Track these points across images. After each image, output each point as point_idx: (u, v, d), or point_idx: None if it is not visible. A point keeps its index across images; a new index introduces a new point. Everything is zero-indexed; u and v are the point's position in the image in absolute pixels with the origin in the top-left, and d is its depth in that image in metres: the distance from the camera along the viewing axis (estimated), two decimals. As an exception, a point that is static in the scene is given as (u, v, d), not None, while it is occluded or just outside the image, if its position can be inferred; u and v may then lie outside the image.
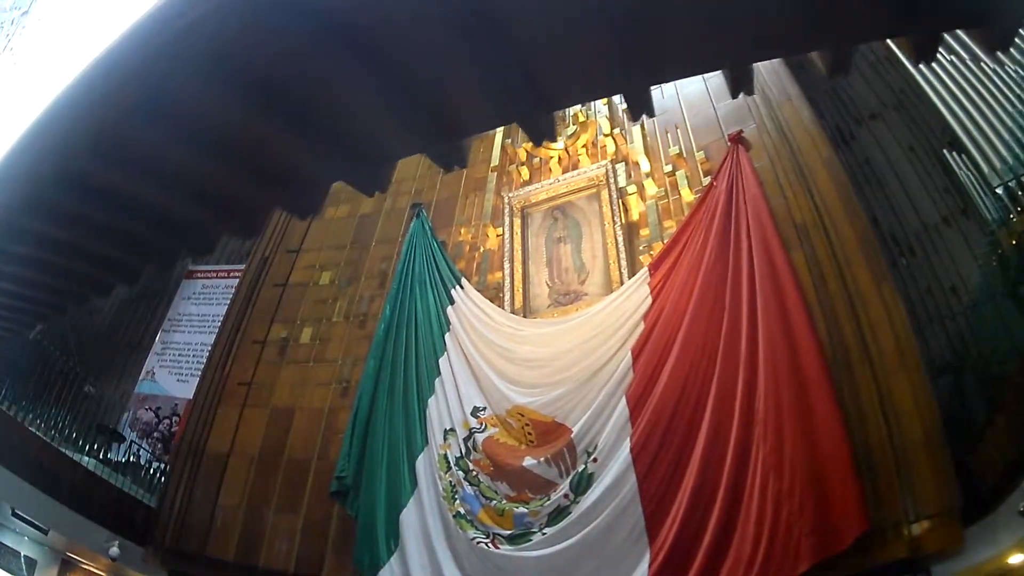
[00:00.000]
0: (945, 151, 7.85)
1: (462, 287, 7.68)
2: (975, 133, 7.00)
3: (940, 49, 7.44)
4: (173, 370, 10.11)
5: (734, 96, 3.52)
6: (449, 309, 7.56)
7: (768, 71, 7.81)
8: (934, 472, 4.94)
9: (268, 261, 9.20)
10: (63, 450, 7.48)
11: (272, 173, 3.56)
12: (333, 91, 3.07)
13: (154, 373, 10.11)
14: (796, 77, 7.77)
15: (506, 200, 8.25)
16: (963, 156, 7.39)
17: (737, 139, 7.06)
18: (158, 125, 3.00)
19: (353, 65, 2.86)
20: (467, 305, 7.47)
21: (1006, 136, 6.76)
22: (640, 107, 3.38)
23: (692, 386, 5.89)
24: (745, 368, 5.74)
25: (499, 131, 8.93)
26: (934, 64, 7.51)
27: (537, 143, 3.77)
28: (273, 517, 7.32)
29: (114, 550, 7.17)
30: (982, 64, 7.15)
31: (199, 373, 9.85)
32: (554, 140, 4.14)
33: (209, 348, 9.95)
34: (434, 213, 8.77)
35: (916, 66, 7.67)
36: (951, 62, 7.46)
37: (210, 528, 7.44)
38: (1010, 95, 6.94)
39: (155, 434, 9.51)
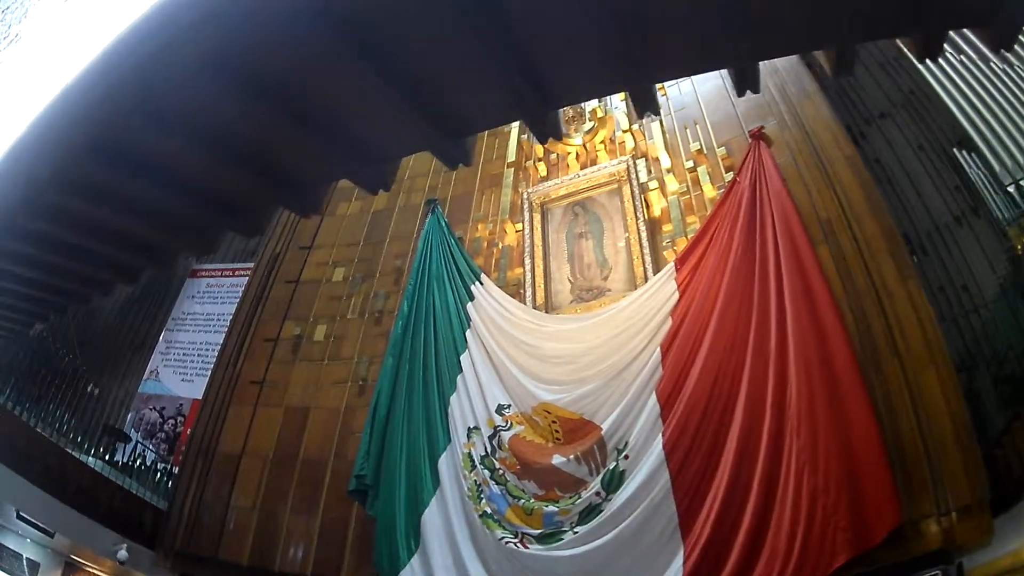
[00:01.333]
0: (955, 150, 7.93)
1: (481, 283, 7.56)
2: (986, 132, 7.06)
3: (949, 48, 7.54)
4: (178, 370, 9.88)
5: (740, 94, 3.51)
6: (469, 305, 7.44)
7: (786, 68, 7.85)
8: (964, 465, 4.96)
9: (279, 258, 9.03)
10: (70, 451, 7.23)
11: (274, 171, 3.54)
12: (336, 88, 3.04)
13: (158, 373, 9.87)
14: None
15: (525, 196, 8.17)
16: (973, 155, 7.46)
17: (758, 135, 7.03)
18: (159, 123, 2.99)
19: (356, 62, 2.83)
20: (488, 301, 7.36)
21: (1016, 135, 6.84)
22: (645, 104, 3.43)
23: (722, 381, 5.82)
24: (776, 363, 5.69)
25: (515, 127, 8.87)
26: (944, 63, 7.60)
27: (542, 141, 3.76)
28: (289, 519, 7.13)
29: (122, 553, 6.97)
30: (991, 63, 7.24)
31: (204, 373, 9.69)
32: (559, 138, 4.18)
33: (214, 347, 9.81)
34: (449, 209, 8.65)
35: (922, 63, 7.74)
36: (960, 61, 7.54)
37: (222, 530, 7.25)
38: (1020, 94, 7.02)
39: (159, 434, 9.27)
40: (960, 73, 7.57)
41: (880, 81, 9.34)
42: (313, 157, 3.48)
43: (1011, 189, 6.70)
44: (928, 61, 7.59)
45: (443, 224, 8.29)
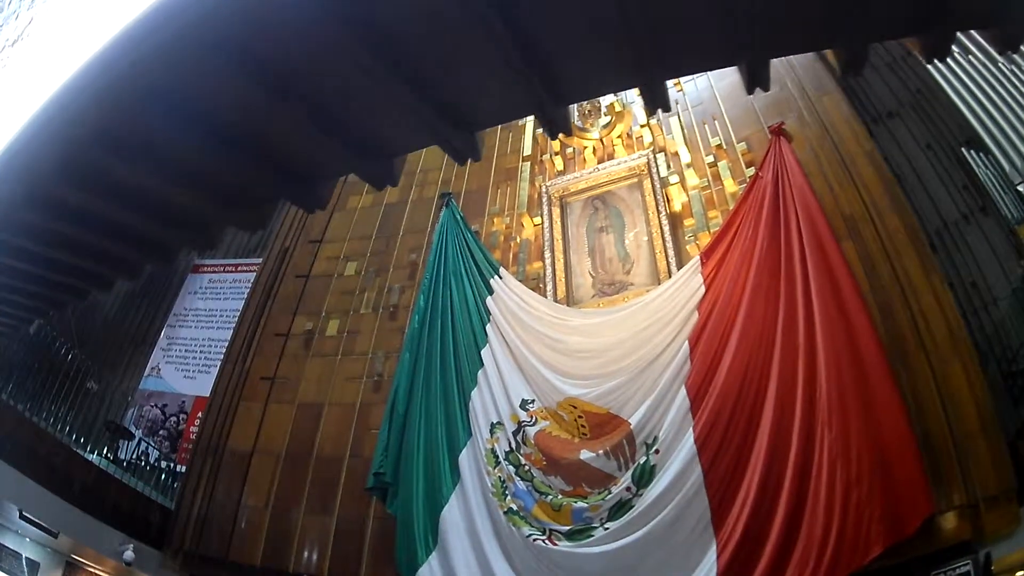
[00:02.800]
0: (963, 149, 8.01)
1: (501, 277, 7.45)
2: (996, 132, 7.12)
3: (957, 49, 7.60)
4: (180, 366, 9.61)
5: (750, 92, 3.50)
6: (488, 299, 7.31)
7: (803, 65, 7.89)
8: (991, 456, 5.01)
9: (289, 252, 8.83)
10: (76, 450, 6.97)
11: (279, 165, 3.48)
12: (343, 81, 2.99)
13: (159, 369, 9.60)
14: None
15: (544, 189, 8.08)
16: (982, 155, 7.53)
17: (779, 131, 7.04)
18: (164, 116, 2.89)
19: (365, 56, 2.77)
20: (508, 295, 7.24)
21: None
22: (656, 101, 3.40)
23: (752, 375, 5.79)
24: (805, 356, 5.67)
25: (530, 121, 8.79)
26: (953, 64, 7.67)
27: (552, 136, 3.76)
28: (303, 518, 6.94)
29: (128, 554, 6.71)
30: (1000, 64, 7.33)
31: (207, 369, 9.47)
32: (569, 133, 4.20)
33: (217, 343, 9.60)
34: (463, 203, 8.52)
35: (929, 63, 7.81)
36: (969, 62, 7.62)
37: (233, 530, 7.03)
38: (1032, 94, 7.10)
39: (161, 432, 9.00)
40: (969, 73, 7.64)
41: (888, 81, 9.42)
42: (319, 151, 3.41)
43: (1021, 188, 6.77)
44: (936, 61, 7.68)
45: (459, 217, 8.17)
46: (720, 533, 5.37)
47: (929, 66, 8.07)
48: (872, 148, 7.02)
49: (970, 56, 7.59)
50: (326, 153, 3.42)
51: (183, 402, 9.31)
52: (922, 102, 9.04)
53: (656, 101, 3.39)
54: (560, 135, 8.29)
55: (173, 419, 9.11)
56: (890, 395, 5.24)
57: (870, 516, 4.90)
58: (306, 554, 6.75)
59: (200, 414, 9.20)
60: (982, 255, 7.87)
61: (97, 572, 7.01)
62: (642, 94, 3.46)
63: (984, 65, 7.50)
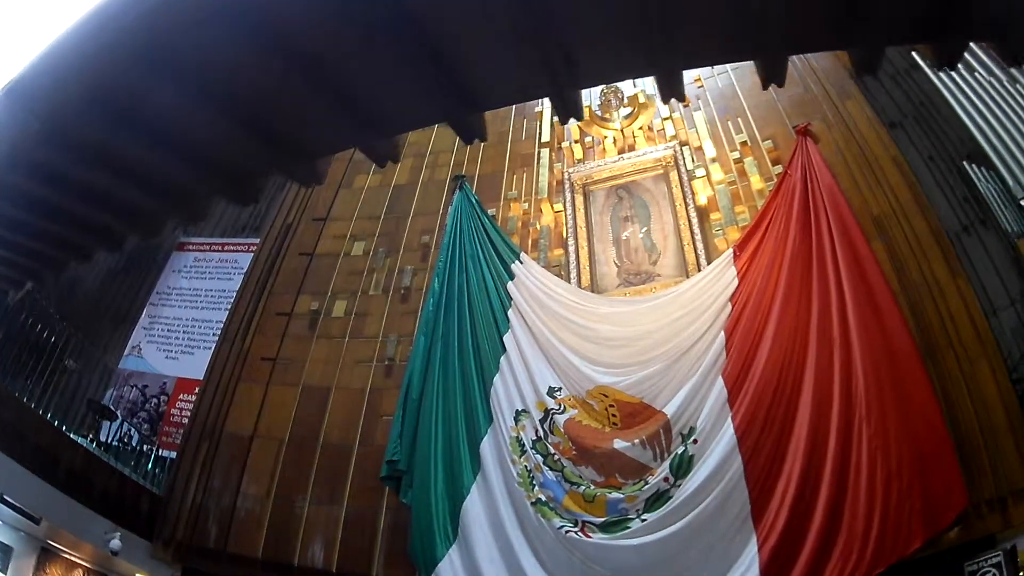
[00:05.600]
0: (965, 163, 8.24)
1: (522, 262, 7.24)
2: (999, 147, 7.30)
3: (961, 64, 7.78)
4: (162, 346, 8.99)
5: (764, 87, 3.55)
6: (510, 284, 7.07)
7: (824, 68, 7.99)
8: (1018, 451, 5.12)
9: (292, 228, 8.37)
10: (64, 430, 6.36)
11: (277, 136, 3.34)
12: (352, 51, 2.87)
13: (141, 348, 8.95)
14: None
15: (566, 176, 7.91)
16: (983, 169, 7.74)
17: (805, 132, 7.10)
18: (159, 77, 2.75)
19: (380, 26, 2.68)
20: (531, 280, 7.03)
21: None
22: (670, 90, 3.41)
23: (788, 366, 5.78)
24: (840, 351, 5.71)
25: (547, 107, 8.63)
26: (957, 78, 7.89)
27: (564, 121, 3.79)
28: (309, 509, 6.53)
29: (115, 543, 6.14)
30: (1005, 80, 7.57)
31: (190, 350, 8.95)
32: (580, 119, 4.19)
33: (201, 324, 9.09)
34: (477, 187, 8.25)
35: (937, 73, 8.01)
36: (975, 77, 7.84)
37: (232, 520, 6.57)
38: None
39: (141, 413, 8.39)
40: (974, 88, 7.84)
41: (891, 91, 9.66)
42: (319, 123, 3.28)
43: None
44: (941, 74, 7.90)
45: (474, 201, 7.91)
46: (760, 525, 5.33)
47: (935, 79, 8.27)
48: (897, 152, 7.14)
49: (976, 73, 7.80)
50: (328, 126, 3.32)
51: (164, 383, 8.70)
52: (925, 114, 9.28)
53: (672, 90, 3.40)
54: (581, 123, 8.23)
55: (154, 400, 8.50)
56: (924, 392, 5.35)
57: (911, 508, 4.98)
58: (313, 546, 6.34)
59: (182, 396, 8.66)
60: (982, 267, 8.09)
61: (74, 559, 6.40)
62: (659, 82, 3.44)
63: (990, 81, 7.71)
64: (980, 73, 7.60)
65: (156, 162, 3.38)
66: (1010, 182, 7.07)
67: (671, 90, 3.40)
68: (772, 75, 3.34)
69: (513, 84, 3.33)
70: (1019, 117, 7.38)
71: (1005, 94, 7.60)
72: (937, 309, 6.04)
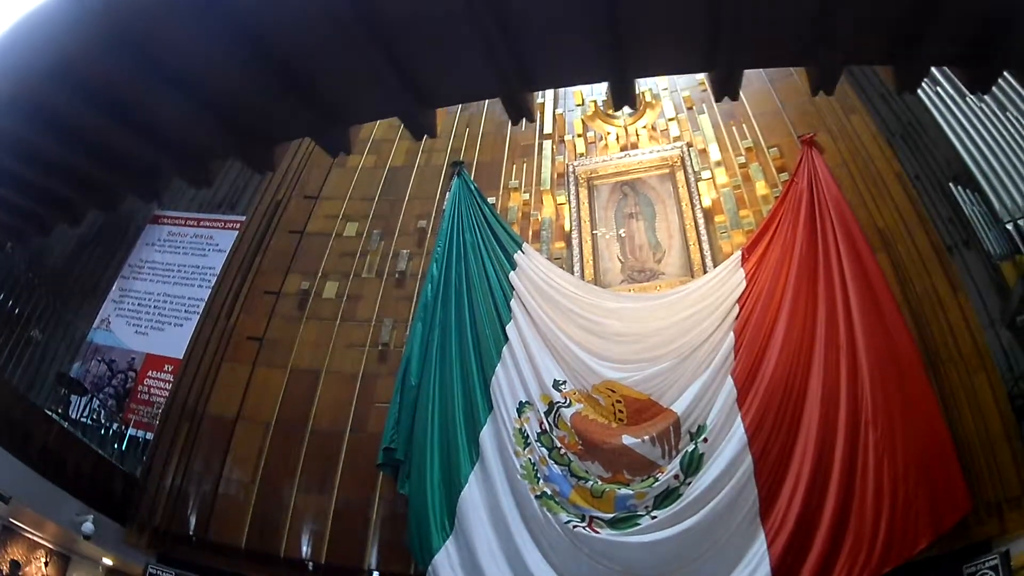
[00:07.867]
0: (951, 184, 8.50)
1: (524, 252, 7.12)
2: (987, 170, 7.50)
3: (950, 88, 8.00)
4: (131, 320, 8.46)
5: (717, 100, 3.65)
6: (512, 274, 6.94)
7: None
8: (1014, 459, 5.32)
9: (281, 205, 7.99)
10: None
11: (234, 121, 3.37)
12: (317, 42, 2.92)
13: (110, 322, 8.40)
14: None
15: (571, 169, 7.83)
16: (968, 190, 8.00)
17: (811, 142, 7.20)
18: (122, 56, 2.79)
19: (348, 19, 2.75)
20: (534, 270, 6.91)
21: (1015, 176, 7.42)
22: (622, 98, 3.46)
23: (796, 369, 5.88)
24: (847, 355, 5.83)
25: (550, 99, 8.53)
26: (947, 98, 8.16)
27: (515, 121, 3.85)
28: (297, 497, 6.26)
29: (88, 526, 5.74)
30: (993, 105, 7.85)
31: (160, 326, 8.52)
32: (532, 120, 4.25)
33: (173, 300, 8.66)
34: (475, 174, 8.08)
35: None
36: (967, 99, 8.10)
37: (213, 507, 6.23)
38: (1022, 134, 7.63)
39: (107, 389, 7.87)
40: (963, 110, 8.10)
41: (879, 111, 9.94)
42: (278, 110, 3.32)
43: (1009, 227, 7.20)
44: (932, 96, 8.16)
45: (473, 188, 7.74)
46: (767, 523, 5.39)
47: (925, 100, 8.52)
48: (900, 169, 7.31)
49: (967, 98, 8.07)
50: (285, 113, 3.34)
51: (132, 359, 8.20)
52: (912, 135, 9.57)
53: (623, 97, 3.43)
54: (584, 117, 8.13)
55: (120, 376, 7.99)
56: (927, 397, 5.52)
57: (916, 510, 5.13)
58: (301, 537, 6.08)
59: (151, 373, 8.20)
60: (964, 287, 8.36)
61: (37, 539, 5.93)
62: (611, 89, 3.48)
63: (980, 106, 7.97)
64: (971, 98, 7.86)
65: (116, 137, 3.37)
66: (996, 204, 7.26)
67: (622, 98, 3.43)
68: (726, 88, 3.40)
69: (469, 84, 3.41)
70: (1007, 141, 7.62)
71: (995, 118, 7.84)
72: (939, 321, 6.19)
